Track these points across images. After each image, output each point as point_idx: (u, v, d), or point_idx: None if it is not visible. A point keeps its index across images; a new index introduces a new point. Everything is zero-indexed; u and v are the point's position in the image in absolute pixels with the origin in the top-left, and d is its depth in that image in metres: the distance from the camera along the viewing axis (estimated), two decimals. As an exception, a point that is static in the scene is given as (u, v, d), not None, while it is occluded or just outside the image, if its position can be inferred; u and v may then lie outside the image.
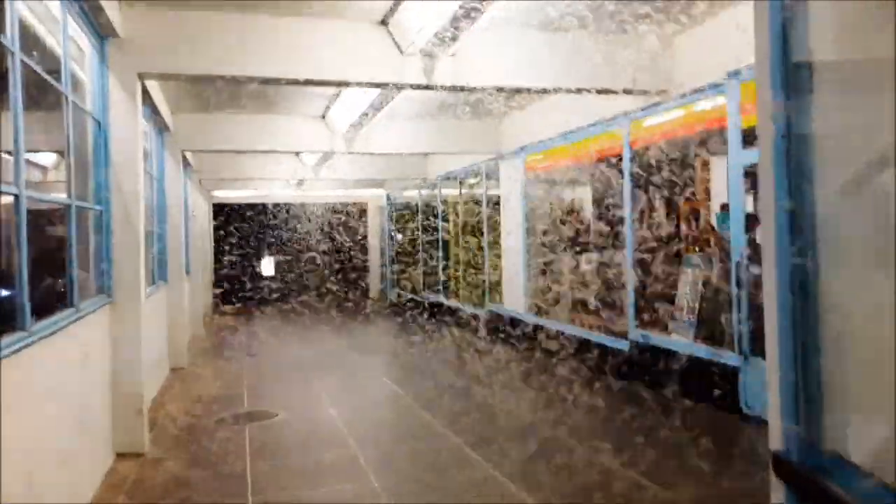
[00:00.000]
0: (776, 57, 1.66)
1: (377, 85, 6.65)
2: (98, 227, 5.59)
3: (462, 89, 6.76)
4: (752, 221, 6.48)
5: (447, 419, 6.60)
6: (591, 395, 7.46)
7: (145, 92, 7.45)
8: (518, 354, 10.08)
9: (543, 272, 10.69)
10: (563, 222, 10.47)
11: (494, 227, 12.26)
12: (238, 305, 19.73)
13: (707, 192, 7.87)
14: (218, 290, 20.33)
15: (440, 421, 6.55)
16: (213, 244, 20.61)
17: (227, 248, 21.04)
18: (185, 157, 12.45)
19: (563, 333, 9.65)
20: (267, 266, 21.61)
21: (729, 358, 6.66)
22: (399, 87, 6.80)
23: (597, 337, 8.89)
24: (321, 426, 6.66)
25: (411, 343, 11.87)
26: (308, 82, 6.42)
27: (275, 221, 21.54)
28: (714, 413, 6.59)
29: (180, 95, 9.41)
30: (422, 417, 6.77)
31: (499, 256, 12.02)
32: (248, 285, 20.74)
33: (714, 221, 7.51)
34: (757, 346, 6.36)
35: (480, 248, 12.85)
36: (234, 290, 20.57)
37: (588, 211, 10.25)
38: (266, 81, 6.43)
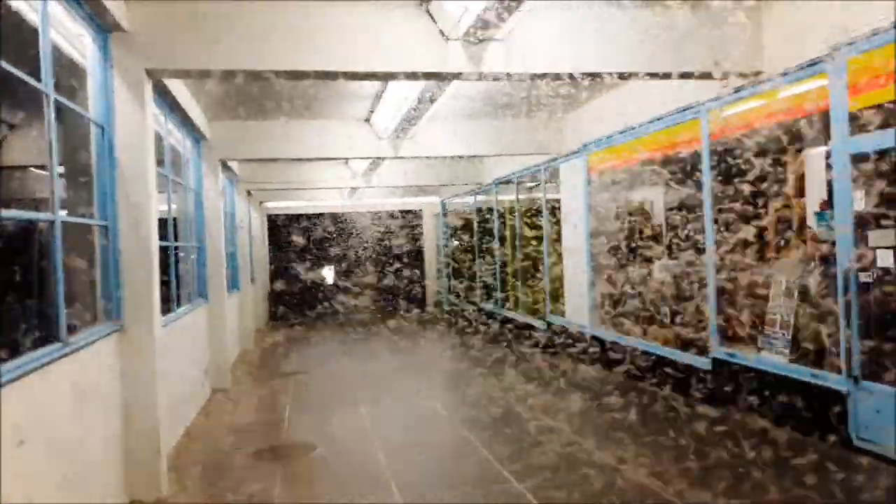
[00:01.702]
0: None
1: (419, 76, 5.86)
2: (104, 244, 4.98)
3: (514, 77, 5.89)
4: (863, 221, 5.44)
5: (506, 457, 5.74)
6: (669, 422, 6.49)
7: (171, 97, 6.93)
8: (583, 373, 9.13)
9: (610, 281, 9.72)
10: (631, 226, 9.48)
11: (555, 232, 11.34)
12: (292, 318, 19.28)
13: (801, 188, 6.79)
14: (272, 302, 20.03)
15: (500, 460, 5.70)
16: (267, 256, 20.34)
17: (281, 259, 20.72)
18: (229, 168, 12.02)
19: (633, 349, 8.67)
20: (322, 277, 21.18)
21: (834, 381, 5.62)
22: (444, 78, 6.01)
23: (672, 353, 7.89)
24: (362, 465, 5.88)
25: (467, 360, 11.04)
26: (340, 75, 5.69)
27: (329, 232, 21.10)
28: (819, 445, 5.55)
29: (215, 101, 8.87)
30: (478, 454, 5.92)
31: (560, 264, 11.10)
32: (303, 297, 20.38)
33: (813, 222, 6.43)
34: (870, 368, 5.34)
35: (540, 256, 11.95)
36: (289, 302, 20.22)
37: (660, 213, 9.23)
38: (293, 76, 5.72)
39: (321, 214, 20.94)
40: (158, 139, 7.39)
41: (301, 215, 20.86)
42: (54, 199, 3.91)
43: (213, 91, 8.50)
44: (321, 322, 18.59)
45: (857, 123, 5.39)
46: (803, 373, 5.98)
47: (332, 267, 21.32)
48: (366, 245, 21.17)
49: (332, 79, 5.80)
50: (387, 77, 5.96)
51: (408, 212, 21.39)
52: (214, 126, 9.62)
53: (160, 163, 7.36)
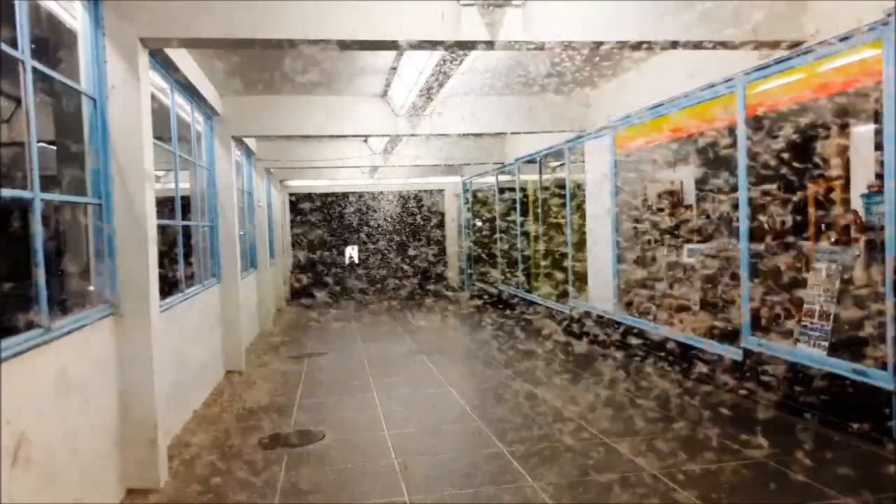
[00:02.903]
0: None
1: (430, 44, 5.46)
2: (98, 224, 4.72)
3: (533, 46, 5.46)
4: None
5: (525, 455, 5.42)
6: (698, 415, 6.11)
7: (178, 69, 6.64)
8: (607, 361, 8.77)
9: (636, 266, 9.31)
10: (660, 208, 9.04)
11: (580, 214, 10.92)
12: (313, 297, 19.09)
13: (845, 169, 6.31)
14: (294, 282, 19.89)
15: (514, 455, 5.40)
16: (289, 235, 20.18)
17: (302, 238, 20.55)
18: (246, 145, 11.76)
19: (659, 337, 8.28)
20: (343, 257, 20.99)
21: (878, 378, 5.20)
22: (459, 47, 5.61)
23: (702, 343, 7.49)
24: (371, 457, 5.60)
25: (488, 345, 10.72)
26: (348, 45, 5.31)
27: (351, 211, 20.86)
28: (861, 447, 5.16)
29: (227, 76, 8.56)
30: (496, 452, 5.58)
31: (584, 247, 10.70)
32: (325, 276, 20.21)
33: (859, 205, 5.95)
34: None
35: (564, 238, 11.55)
36: (310, 281, 20.05)
37: (691, 194, 8.77)
38: (298, 45, 5.37)
39: (343, 194, 20.70)
40: (165, 114, 7.14)
41: (322, 194, 20.64)
42: (32, 175, 3.63)
43: (225, 65, 8.21)
44: (341, 301, 18.44)
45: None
46: (843, 367, 5.56)
47: (354, 247, 21.10)
48: (388, 225, 20.90)
49: (341, 49, 5.41)
50: (397, 46, 5.54)
51: (430, 191, 21.04)
52: (227, 101, 9.33)
53: (167, 139, 7.11)
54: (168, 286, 6.98)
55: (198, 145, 8.80)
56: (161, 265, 6.61)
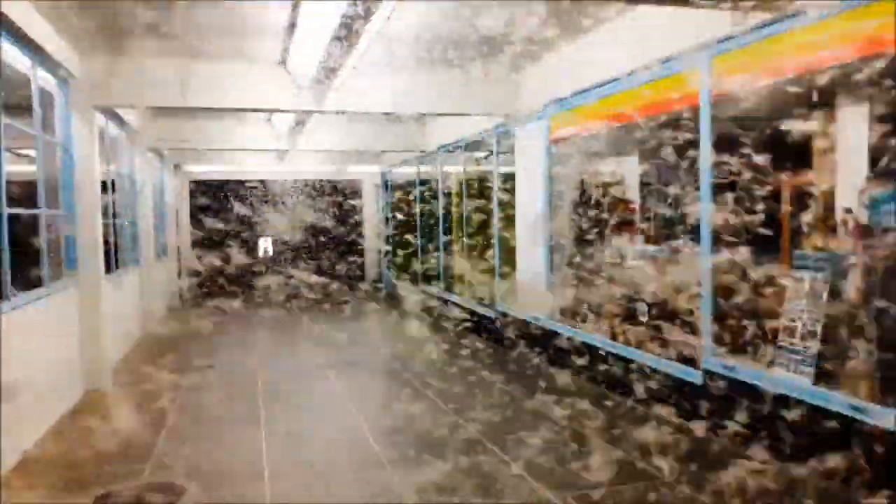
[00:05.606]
0: None
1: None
2: None
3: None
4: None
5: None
6: (648, 452, 5.01)
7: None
8: (536, 377, 7.60)
9: (573, 269, 8.19)
10: (599, 203, 7.94)
11: (508, 209, 9.73)
12: (214, 297, 17.12)
13: (832, 160, 5.32)
14: (192, 279, 17.96)
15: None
16: (188, 227, 18.24)
17: (202, 231, 18.57)
18: (121, 119, 10.00)
19: (599, 351, 7.18)
20: (251, 252, 19.15)
21: (879, 416, 4.20)
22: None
23: (652, 361, 6.41)
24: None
25: (404, 357, 9.37)
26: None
27: (260, 202, 19.07)
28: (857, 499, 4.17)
29: (86, 31, 6.89)
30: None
31: (512, 246, 9.53)
32: (228, 274, 18.31)
33: (853, 204, 4.95)
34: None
35: (490, 236, 10.35)
36: (211, 278, 18.17)
37: (635, 189, 7.72)
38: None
39: (250, 182, 18.89)
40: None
41: (227, 181, 18.78)
42: None
43: (80, 17, 6.58)
44: (245, 302, 16.60)
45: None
46: (836, 401, 4.54)
47: (262, 241, 19.34)
48: (299, 217, 19.20)
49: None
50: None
51: (347, 182, 19.51)
52: (87, 64, 7.58)
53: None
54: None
55: (47, 115, 7.08)
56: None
